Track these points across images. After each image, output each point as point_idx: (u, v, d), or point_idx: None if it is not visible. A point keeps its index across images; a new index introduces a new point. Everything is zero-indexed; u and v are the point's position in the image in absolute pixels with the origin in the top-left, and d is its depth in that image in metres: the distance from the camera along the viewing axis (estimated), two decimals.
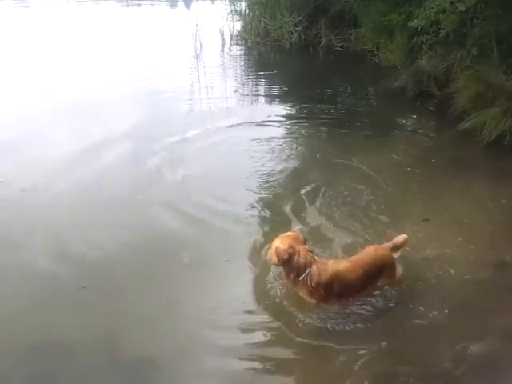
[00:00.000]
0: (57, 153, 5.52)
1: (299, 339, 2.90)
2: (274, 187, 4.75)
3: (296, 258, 2.94)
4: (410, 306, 3.13)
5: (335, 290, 2.97)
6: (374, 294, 3.17)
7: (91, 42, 12.15)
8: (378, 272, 3.11)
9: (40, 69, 9.60)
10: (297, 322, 3.01)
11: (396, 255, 3.20)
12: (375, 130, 6.20)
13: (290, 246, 2.95)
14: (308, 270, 2.94)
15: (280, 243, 2.99)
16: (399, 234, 3.27)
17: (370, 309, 3.09)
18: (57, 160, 5.30)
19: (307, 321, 3.01)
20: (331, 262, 3.09)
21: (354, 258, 3.15)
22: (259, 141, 5.83)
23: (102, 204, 4.48)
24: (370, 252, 3.14)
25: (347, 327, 2.97)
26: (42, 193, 4.60)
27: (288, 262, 2.96)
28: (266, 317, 3.08)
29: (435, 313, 3.06)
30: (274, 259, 2.99)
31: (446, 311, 3.07)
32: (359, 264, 3.04)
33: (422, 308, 3.10)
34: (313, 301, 3.03)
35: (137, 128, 6.28)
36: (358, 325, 2.99)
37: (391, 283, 3.22)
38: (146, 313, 3.16)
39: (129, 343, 2.95)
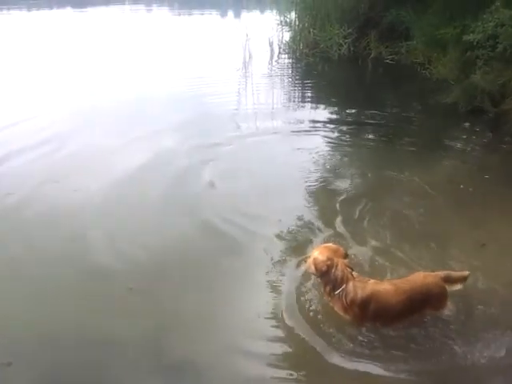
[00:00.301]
0: (107, 154, 5.72)
1: (333, 360, 2.82)
2: (318, 199, 4.70)
3: (333, 270, 2.89)
4: (459, 341, 2.89)
5: (371, 311, 2.86)
6: (420, 323, 3.00)
7: (144, 48, 12.57)
8: (424, 301, 2.93)
9: (93, 70, 10.12)
10: (332, 340, 2.93)
11: (453, 288, 3.01)
12: (425, 145, 6.06)
13: (329, 258, 2.92)
14: (344, 286, 2.88)
15: (319, 254, 2.96)
16: (461, 269, 3.12)
17: (413, 337, 2.93)
18: (107, 161, 5.50)
19: (343, 340, 2.92)
20: (372, 281, 2.96)
21: (398, 281, 3.01)
22: (304, 150, 5.82)
23: (148, 208, 4.58)
24: (417, 278, 2.98)
25: (385, 353, 2.83)
26: (94, 194, 4.75)
27: (325, 274, 2.92)
28: (301, 331, 3.02)
29: (489, 352, 2.80)
30: (312, 269, 2.98)
31: (503, 350, 2.81)
32: (402, 288, 2.89)
33: (472, 345, 2.84)
34: (347, 317, 2.95)
35: (181, 133, 6.40)
36: (397, 352, 2.84)
37: (440, 314, 3.04)
38: (189, 317, 3.21)
39: (172, 345, 3.00)
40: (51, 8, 24.51)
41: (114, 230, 4.18)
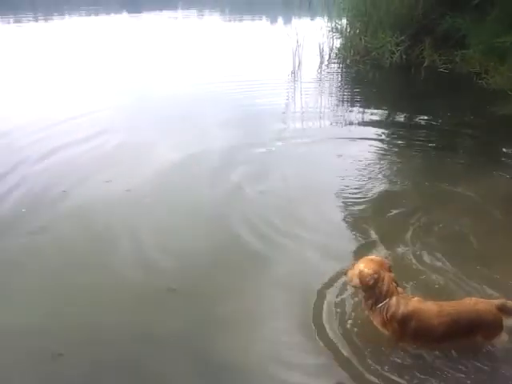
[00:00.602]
0: (157, 155, 5.86)
1: (369, 376, 2.73)
2: (361, 208, 4.59)
3: (380, 284, 2.81)
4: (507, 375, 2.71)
5: (411, 329, 2.75)
6: (468, 351, 2.83)
7: (195, 51, 12.88)
8: (472, 327, 2.75)
9: (147, 71, 10.46)
10: (368, 354, 2.86)
11: (508, 319, 2.78)
12: (479, 158, 5.81)
13: (376, 272, 2.82)
14: (387, 300, 2.80)
15: (365, 267, 2.86)
16: None
17: (456, 366, 2.77)
18: (158, 163, 5.62)
19: (381, 361, 2.81)
20: (416, 298, 2.85)
21: (444, 302, 2.85)
22: (348, 157, 5.74)
23: (193, 211, 4.64)
24: (467, 302, 2.82)
25: (421, 375, 2.71)
26: (146, 194, 4.86)
27: (370, 288, 2.83)
28: (339, 343, 2.96)
29: None
30: (356, 282, 2.88)
31: None
32: (447, 310, 2.75)
33: None
34: (386, 332, 2.85)
35: (227, 135, 6.47)
36: (433, 379, 2.70)
37: (492, 345, 2.83)
38: (228, 323, 3.21)
39: (210, 349, 3.01)
40: (109, 14, 25.53)
41: (160, 232, 4.26)
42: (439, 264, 3.67)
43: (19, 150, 5.99)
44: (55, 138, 6.40)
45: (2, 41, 15.37)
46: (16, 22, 20.54)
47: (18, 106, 8.17)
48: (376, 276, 2.81)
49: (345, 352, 2.90)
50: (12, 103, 8.39)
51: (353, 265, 3.01)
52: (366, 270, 2.84)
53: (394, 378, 2.73)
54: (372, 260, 2.96)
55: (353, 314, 3.16)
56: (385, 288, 2.80)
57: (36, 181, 5.18)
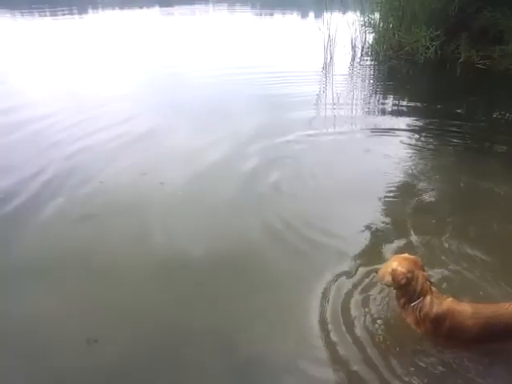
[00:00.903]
0: (189, 148, 5.90)
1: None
2: (392, 207, 4.51)
3: (413, 283, 2.77)
4: None
5: (445, 329, 2.70)
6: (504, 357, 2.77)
7: (227, 47, 12.92)
8: (508, 331, 2.67)
9: (177, 65, 10.58)
10: (393, 363, 2.79)
11: None
12: None
13: (410, 271, 2.78)
14: (421, 299, 2.76)
15: (399, 265, 2.82)
16: None
17: (488, 372, 2.71)
18: (190, 156, 5.67)
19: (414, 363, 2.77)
20: (450, 299, 2.79)
21: (480, 304, 2.80)
22: (380, 154, 5.66)
23: (217, 206, 4.63)
24: (504, 307, 2.72)
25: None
26: (179, 188, 4.90)
27: (403, 287, 2.79)
28: (367, 342, 2.93)
29: None
30: (388, 280, 2.84)
31: None
32: (483, 312, 2.70)
33: None
34: (419, 331, 2.81)
35: (257, 130, 6.47)
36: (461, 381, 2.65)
37: None
38: (256, 318, 3.21)
39: (240, 343, 3.02)
40: (141, 7, 25.87)
41: (192, 226, 4.30)
42: (475, 265, 3.57)
43: (54, 135, 6.19)
44: (88, 125, 6.61)
45: (36, 33, 15.81)
46: (52, 15, 21.04)
47: (47, 93, 8.44)
48: (409, 275, 2.78)
49: (370, 350, 2.88)
50: (40, 91, 8.67)
51: (385, 263, 2.98)
52: (399, 269, 2.80)
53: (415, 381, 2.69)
54: (406, 258, 2.91)
55: (382, 312, 3.13)
56: (419, 287, 2.77)
57: (71, 171, 5.29)
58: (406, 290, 2.80)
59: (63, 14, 21.30)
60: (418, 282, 2.78)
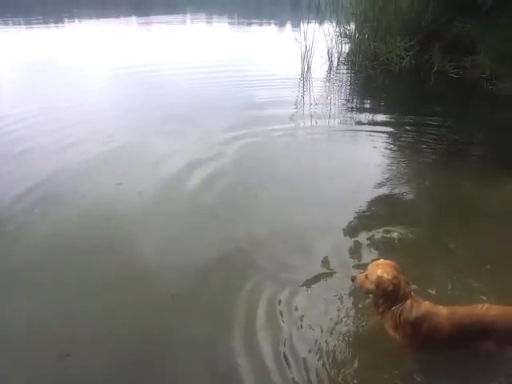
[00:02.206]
0: (165, 155, 5.86)
1: None
2: (370, 215, 4.53)
3: (397, 289, 2.74)
4: None
5: (423, 333, 2.70)
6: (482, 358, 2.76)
7: (203, 56, 12.91)
8: (484, 333, 2.69)
9: (154, 76, 10.45)
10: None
11: None
12: (491, 164, 5.71)
13: (395, 277, 2.75)
14: (402, 303, 2.74)
15: (384, 272, 2.77)
16: None
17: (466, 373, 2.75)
18: (167, 164, 5.61)
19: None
20: (427, 302, 2.79)
21: (456, 307, 2.80)
22: (355, 160, 5.77)
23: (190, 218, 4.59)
24: (479, 308, 2.74)
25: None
26: (157, 197, 4.84)
27: (388, 293, 2.75)
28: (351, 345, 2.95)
29: None
30: (370, 288, 2.81)
31: None
32: (459, 314, 2.71)
33: None
34: (396, 336, 2.79)
35: (232, 135, 6.51)
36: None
37: (505, 352, 2.75)
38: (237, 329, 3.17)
39: (221, 355, 2.98)
40: (118, 17, 25.75)
41: (166, 237, 4.24)
42: (448, 266, 3.65)
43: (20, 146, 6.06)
44: (60, 136, 6.48)
45: (9, 43, 15.57)
46: (27, 24, 20.74)
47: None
48: (395, 281, 2.74)
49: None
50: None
51: (363, 270, 2.95)
52: (385, 276, 2.75)
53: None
54: (388, 264, 2.86)
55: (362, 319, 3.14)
56: (401, 292, 2.75)
57: (49, 181, 5.19)
58: (389, 296, 2.76)
59: (38, 23, 21.02)
60: (401, 286, 2.76)
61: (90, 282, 3.60)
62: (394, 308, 2.77)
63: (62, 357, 2.90)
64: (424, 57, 10.52)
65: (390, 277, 2.75)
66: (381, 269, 2.81)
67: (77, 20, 24.36)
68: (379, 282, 2.76)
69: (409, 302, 2.75)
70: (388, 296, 2.77)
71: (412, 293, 2.81)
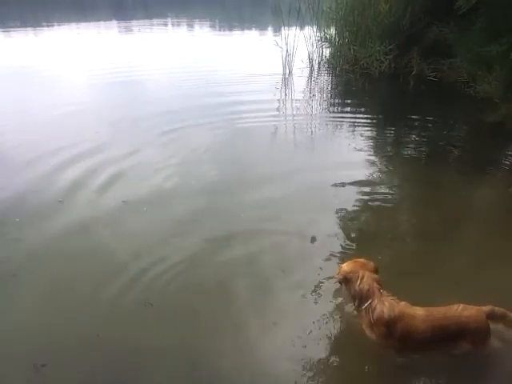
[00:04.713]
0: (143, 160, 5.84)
1: None
2: (350, 214, 4.59)
3: (358, 283, 2.83)
4: None
5: (398, 332, 2.72)
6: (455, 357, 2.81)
7: (186, 62, 12.86)
8: (459, 333, 2.73)
9: (136, 82, 10.37)
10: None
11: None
12: (468, 167, 5.77)
13: (352, 271, 2.88)
14: (370, 300, 2.79)
15: (345, 264, 2.97)
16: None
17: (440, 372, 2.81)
18: (146, 172, 5.59)
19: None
20: (403, 303, 2.81)
21: (432, 308, 2.82)
22: (335, 166, 5.75)
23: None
24: (454, 308, 2.77)
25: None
26: (141, 205, 4.78)
27: (346, 284, 2.90)
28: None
29: None
30: (339, 279, 2.97)
31: None
32: (434, 315, 2.73)
33: None
34: (372, 336, 2.81)
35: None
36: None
37: (479, 352, 2.79)
38: (217, 333, 3.15)
39: (198, 361, 2.95)
40: (98, 20, 25.52)
41: (147, 244, 4.17)
42: (423, 270, 3.69)
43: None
44: (39, 143, 6.41)
45: None
46: (4, 28, 20.39)
47: None
48: (350, 275, 2.87)
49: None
50: None
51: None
52: (343, 267, 2.95)
53: None
54: (354, 261, 3.01)
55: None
56: (365, 287, 2.81)
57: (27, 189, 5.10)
58: (354, 290, 2.86)
59: (15, 28, 20.69)
60: (364, 281, 2.82)
61: (66, 294, 3.53)
62: (364, 305, 2.82)
63: (38, 367, 2.83)
64: (403, 60, 10.67)
65: (346, 268, 2.92)
66: (346, 263, 2.99)
67: (56, 25, 24.05)
68: (339, 272, 2.96)
69: (377, 299, 2.79)
70: (352, 290, 2.87)
71: (383, 291, 2.84)
